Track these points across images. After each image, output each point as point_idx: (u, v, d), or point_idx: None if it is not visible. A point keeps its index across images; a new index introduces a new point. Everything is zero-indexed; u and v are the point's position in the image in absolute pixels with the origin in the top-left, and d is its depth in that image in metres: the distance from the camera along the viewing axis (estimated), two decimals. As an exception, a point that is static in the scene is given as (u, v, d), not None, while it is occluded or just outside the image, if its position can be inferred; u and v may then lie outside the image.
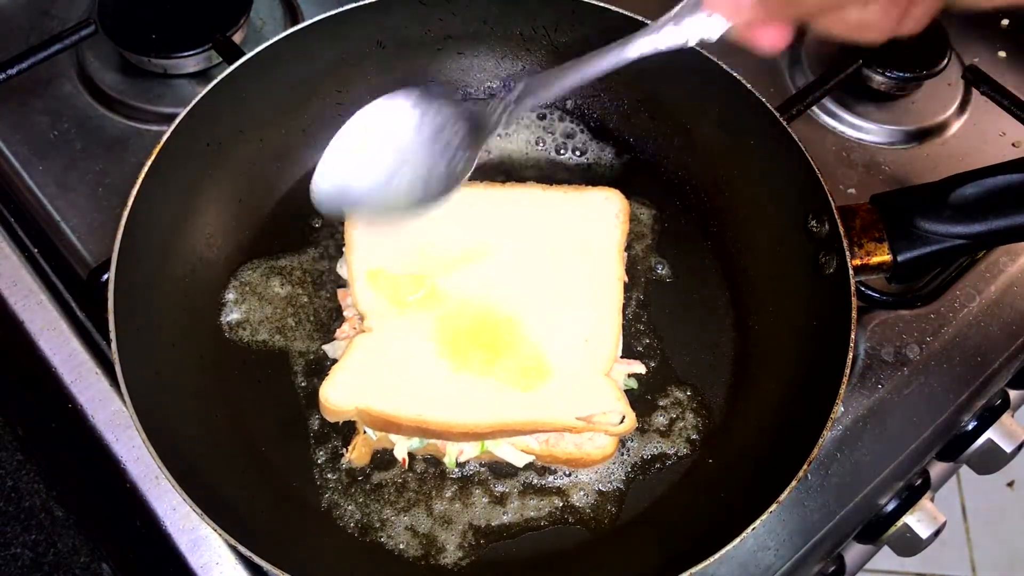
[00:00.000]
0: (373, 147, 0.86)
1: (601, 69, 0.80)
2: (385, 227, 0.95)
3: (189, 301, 1.02)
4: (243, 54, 1.06)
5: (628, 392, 1.00)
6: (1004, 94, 1.23)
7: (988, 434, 1.14)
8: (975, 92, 1.28)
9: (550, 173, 1.16)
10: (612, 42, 0.80)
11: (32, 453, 1.01)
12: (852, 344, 0.90)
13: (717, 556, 0.81)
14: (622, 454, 0.98)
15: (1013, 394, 1.19)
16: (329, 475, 0.96)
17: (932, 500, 1.11)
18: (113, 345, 0.87)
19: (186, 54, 1.20)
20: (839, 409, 0.89)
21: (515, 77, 0.88)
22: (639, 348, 1.05)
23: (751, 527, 0.82)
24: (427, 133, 0.86)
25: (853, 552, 1.14)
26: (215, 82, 1.03)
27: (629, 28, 1.09)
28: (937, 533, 1.10)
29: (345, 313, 1.02)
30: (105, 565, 0.96)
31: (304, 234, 1.10)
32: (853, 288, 0.93)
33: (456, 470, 0.97)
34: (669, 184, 1.15)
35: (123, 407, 0.91)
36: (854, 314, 0.92)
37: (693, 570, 0.81)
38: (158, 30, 1.21)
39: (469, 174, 0.86)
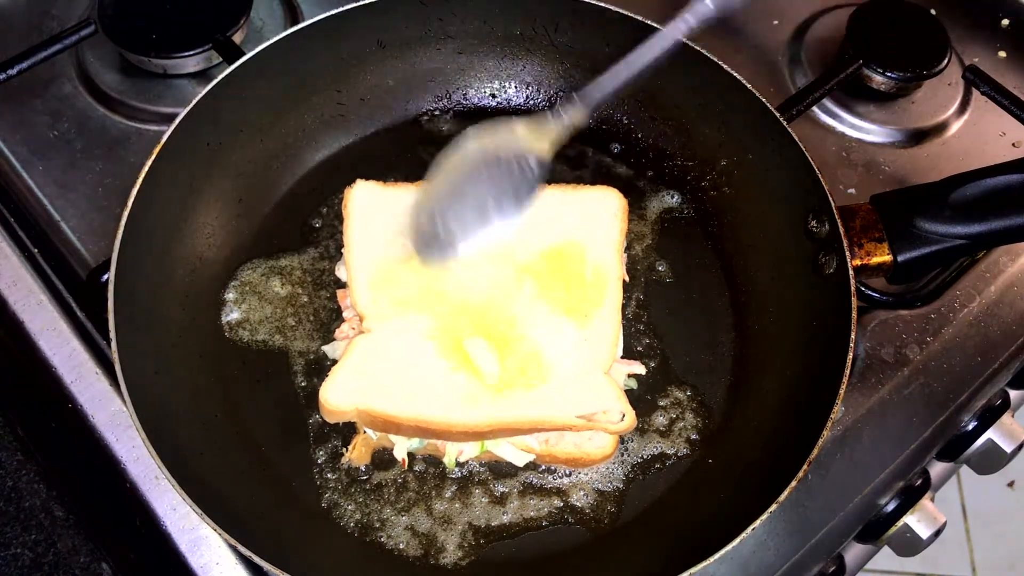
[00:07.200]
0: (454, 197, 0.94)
1: (641, 65, 0.88)
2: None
3: (189, 301, 1.02)
4: (243, 54, 1.06)
5: (628, 392, 1.00)
6: (1004, 94, 1.23)
7: (988, 434, 1.13)
8: (975, 92, 1.28)
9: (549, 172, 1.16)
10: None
11: (32, 453, 1.01)
12: (852, 344, 0.90)
13: (717, 556, 0.81)
14: (622, 454, 0.98)
15: (1013, 394, 1.19)
16: (329, 475, 0.96)
17: (932, 500, 1.11)
18: (113, 345, 0.87)
19: (186, 54, 1.20)
20: (839, 409, 0.89)
21: (561, 99, 0.96)
22: (639, 348, 1.05)
23: (751, 527, 0.82)
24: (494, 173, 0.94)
25: (853, 552, 1.14)
26: (215, 82, 1.03)
27: (628, 28, 1.11)
28: (937, 533, 1.10)
29: (344, 314, 1.02)
30: (105, 565, 0.96)
31: (304, 234, 1.10)
32: (853, 288, 0.93)
33: (456, 470, 0.97)
34: (669, 184, 1.15)
35: (123, 407, 0.91)
36: (854, 314, 0.92)
37: (693, 570, 0.81)
38: (158, 30, 1.21)
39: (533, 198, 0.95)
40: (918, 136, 1.27)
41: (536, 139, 0.93)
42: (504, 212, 0.94)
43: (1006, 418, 1.15)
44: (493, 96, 1.21)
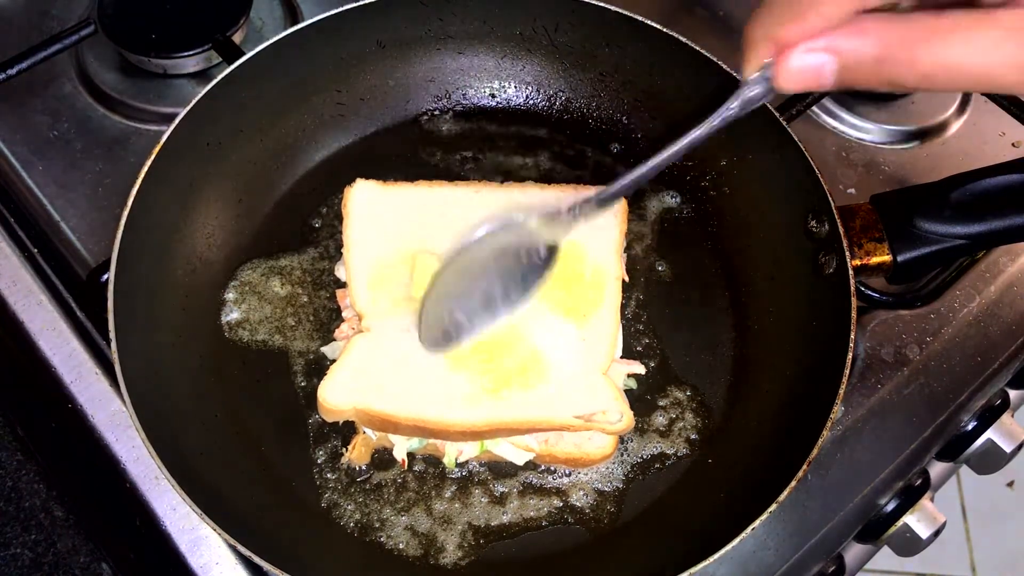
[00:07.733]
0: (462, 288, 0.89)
1: (665, 160, 0.78)
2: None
3: (189, 301, 1.02)
4: (243, 54, 1.06)
5: (627, 392, 1.00)
6: (1004, 94, 1.23)
7: (988, 434, 1.14)
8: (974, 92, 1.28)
9: (548, 173, 1.16)
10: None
11: (32, 453, 1.01)
12: (852, 344, 0.90)
13: (717, 556, 0.81)
14: (622, 454, 0.98)
15: (1013, 394, 1.19)
16: (329, 475, 0.96)
17: (932, 500, 1.11)
18: (113, 345, 0.87)
19: (186, 54, 1.20)
20: (839, 409, 0.89)
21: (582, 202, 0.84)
22: (639, 348, 1.05)
23: (751, 527, 0.82)
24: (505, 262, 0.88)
25: (853, 552, 1.14)
26: (215, 82, 1.03)
27: (628, 28, 1.11)
28: (937, 533, 1.10)
29: (344, 314, 1.02)
30: (105, 565, 0.96)
31: (304, 234, 1.10)
32: (853, 288, 0.93)
33: (456, 470, 0.97)
34: (669, 184, 1.15)
35: (123, 407, 0.91)
36: (854, 314, 0.92)
37: (693, 570, 0.81)
38: (158, 30, 1.21)
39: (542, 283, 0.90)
40: (918, 136, 1.27)
41: (548, 231, 0.87)
42: (512, 302, 0.90)
43: (1006, 418, 1.15)
44: (493, 96, 1.21)
